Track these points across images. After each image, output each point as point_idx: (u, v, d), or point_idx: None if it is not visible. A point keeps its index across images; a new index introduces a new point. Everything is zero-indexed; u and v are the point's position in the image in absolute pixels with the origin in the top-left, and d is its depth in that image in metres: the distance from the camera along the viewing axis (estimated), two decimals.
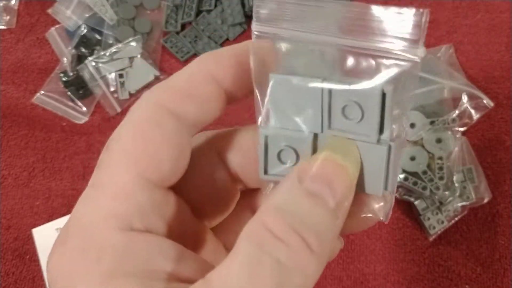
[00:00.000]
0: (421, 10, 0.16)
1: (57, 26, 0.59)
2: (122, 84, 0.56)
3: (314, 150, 0.18)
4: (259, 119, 0.18)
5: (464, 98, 0.51)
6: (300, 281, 0.15)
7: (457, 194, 0.49)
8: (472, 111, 0.51)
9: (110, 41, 0.58)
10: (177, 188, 0.19)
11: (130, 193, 0.17)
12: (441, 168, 0.49)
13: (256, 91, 0.18)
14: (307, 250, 0.15)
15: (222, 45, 0.58)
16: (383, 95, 0.17)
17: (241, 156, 0.19)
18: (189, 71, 0.19)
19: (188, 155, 0.18)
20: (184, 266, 0.17)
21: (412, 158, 0.49)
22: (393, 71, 0.17)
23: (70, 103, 0.56)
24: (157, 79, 0.57)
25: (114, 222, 0.16)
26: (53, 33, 0.59)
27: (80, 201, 0.17)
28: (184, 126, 0.18)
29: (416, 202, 0.49)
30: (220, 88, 0.18)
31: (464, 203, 0.49)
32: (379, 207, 0.19)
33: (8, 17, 0.61)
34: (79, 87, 0.56)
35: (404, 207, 0.50)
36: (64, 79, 0.56)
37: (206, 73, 0.18)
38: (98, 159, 0.18)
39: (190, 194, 0.20)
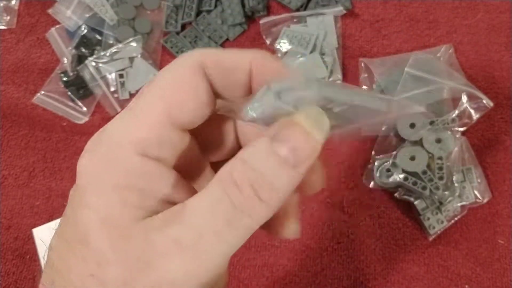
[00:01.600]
0: None
1: (57, 26, 0.59)
2: (122, 84, 0.56)
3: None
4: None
5: (464, 98, 0.51)
6: (247, 222, 0.19)
7: (457, 194, 0.49)
8: (472, 111, 0.51)
9: (110, 41, 0.58)
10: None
11: (155, 127, 0.21)
12: (440, 168, 0.49)
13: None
14: (257, 200, 0.19)
15: (222, 45, 0.58)
16: None
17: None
18: (225, 50, 0.23)
19: (210, 111, 0.22)
20: (178, 193, 0.21)
21: (412, 158, 0.49)
22: None
23: (71, 103, 0.56)
24: None
25: (135, 147, 0.20)
26: (53, 33, 0.59)
27: (116, 118, 0.21)
28: (211, 85, 0.22)
29: (416, 202, 0.49)
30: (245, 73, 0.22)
31: (463, 203, 0.49)
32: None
33: (8, 17, 0.61)
34: (79, 87, 0.56)
35: (404, 207, 0.50)
36: (64, 79, 0.56)
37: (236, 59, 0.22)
38: (142, 88, 0.22)
39: (199, 131, 0.23)
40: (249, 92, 0.23)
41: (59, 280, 0.20)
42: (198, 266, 0.19)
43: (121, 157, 0.20)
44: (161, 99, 0.21)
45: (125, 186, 0.20)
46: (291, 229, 0.24)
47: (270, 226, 0.24)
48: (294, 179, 0.19)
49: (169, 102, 0.21)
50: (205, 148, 0.25)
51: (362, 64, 0.54)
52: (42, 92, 0.56)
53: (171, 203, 0.21)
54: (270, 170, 0.19)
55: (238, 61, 0.22)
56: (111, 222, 0.19)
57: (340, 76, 0.54)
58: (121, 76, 0.56)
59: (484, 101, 0.51)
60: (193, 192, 0.22)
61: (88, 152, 0.21)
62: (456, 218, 0.49)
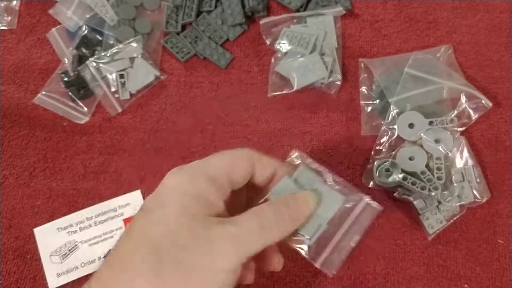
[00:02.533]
0: None
1: (58, 26, 0.59)
2: (123, 84, 0.56)
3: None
4: None
5: (463, 98, 0.51)
6: (275, 231, 0.32)
7: (456, 193, 0.49)
8: (471, 111, 0.51)
9: (111, 42, 0.58)
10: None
11: (220, 176, 0.33)
12: (439, 168, 0.49)
13: None
14: (275, 225, 0.32)
15: (222, 45, 0.58)
16: None
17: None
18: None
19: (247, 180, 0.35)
20: (225, 214, 0.33)
21: (411, 158, 0.49)
22: None
23: (71, 103, 0.57)
24: (157, 79, 0.57)
25: (207, 177, 0.32)
26: (54, 34, 0.59)
27: (196, 163, 0.34)
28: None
29: (415, 202, 0.49)
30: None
31: (463, 203, 0.49)
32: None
33: (9, 18, 0.61)
34: (80, 87, 0.56)
35: (403, 207, 0.51)
36: (65, 79, 0.56)
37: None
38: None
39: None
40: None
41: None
42: (243, 245, 0.30)
43: (199, 179, 0.32)
44: (227, 161, 0.34)
45: (199, 195, 0.31)
46: (280, 262, 0.37)
47: (265, 262, 0.36)
48: (292, 224, 0.33)
49: (230, 167, 0.33)
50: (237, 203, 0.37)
51: (362, 64, 0.55)
52: (43, 93, 0.57)
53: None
54: (283, 216, 0.33)
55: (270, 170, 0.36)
56: (190, 209, 0.30)
57: (339, 76, 0.54)
58: (121, 76, 0.56)
59: (483, 101, 0.51)
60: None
61: (174, 171, 0.33)
62: (455, 218, 0.49)
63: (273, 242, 0.31)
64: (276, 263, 0.37)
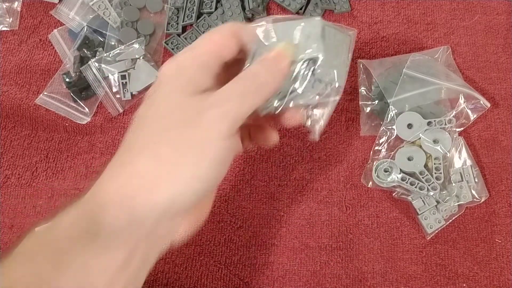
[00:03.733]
0: None
1: (59, 27, 0.60)
2: (125, 85, 0.57)
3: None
4: None
5: (461, 99, 0.51)
6: (256, 92, 0.32)
7: (455, 193, 0.49)
8: (469, 112, 0.51)
9: (113, 43, 0.58)
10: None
11: (205, 55, 0.33)
12: (438, 168, 0.49)
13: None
14: (259, 83, 0.32)
15: None
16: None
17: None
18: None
19: (237, 53, 0.35)
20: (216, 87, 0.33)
21: (410, 158, 0.50)
22: None
23: (73, 104, 0.57)
24: None
25: (195, 62, 0.33)
26: (55, 35, 0.59)
27: (183, 50, 0.34)
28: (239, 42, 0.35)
29: (414, 202, 0.50)
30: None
31: (461, 203, 0.49)
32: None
33: (11, 19, 0.62)
34: (81, 88, 0.57)
35: (402, 207, 0.51)
36: (66, 80, 0.57)
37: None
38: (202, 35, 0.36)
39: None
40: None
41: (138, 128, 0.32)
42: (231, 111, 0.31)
43: (188, 66, 0.33)
44: (212, 40, 0.33)
45: (190, 77, 0.32)
46: (274, 137, 0.37)
47: (258, 138, 0.37)
48: (278, 76, 0.33)
49: (217, 42, 0.33)
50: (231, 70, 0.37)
51: (361, 65, 0.55)
52: (45, 93, 0.57)
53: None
54: (265, 71, 0.33)
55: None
56: (179, 89, 0.31)
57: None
58: (123, 77, 0.57)
59: (482, 102, 0.51)
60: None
61: (167, 63, 0.33)
62: (453, 218, 0.50)
63: (260, 102, 0.32)
64: (270, 135, 0.37)
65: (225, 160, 0.31)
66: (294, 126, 0.36)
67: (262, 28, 0.35)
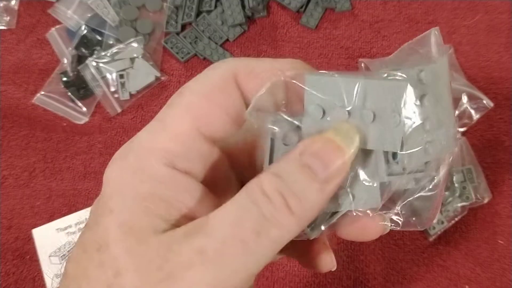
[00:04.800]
0: None
1: (57, 26, 0.59)
2: (123, 84, 0.56)
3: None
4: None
5: (464, 99, 0.51)
6: (275, 234, 0.18)
7: (457, 194, 0.49)
8: (472, 112, 0.51)
9: (111, 42, 0.58)
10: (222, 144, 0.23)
11: (184, 139, 0.21)
12: None
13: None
14: (287, 211, 0.18)
15: (222, 46, 0.58)
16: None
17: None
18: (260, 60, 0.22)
19: (241, 123, 0.22)
20: (203, 208, 0.21)
21: None
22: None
23: (71, 104, 0.56)
24: (158, 80, 0.57)
25: (164, 158, 0.20)
26: (53, 34, 0.59)
27: (145, 129, 0.21)
28: (243, 97, 0.22)
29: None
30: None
31: (463, 203, 0.49)
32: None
33: (8, 18, 0.61)
34: (79, 88, 0.56)
35: None
36: (64, 79, 0.56)
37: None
38: (171, 98, 0.21)
39: (230, 148, 0.23)
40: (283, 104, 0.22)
41: None
42: (222, 280, 0.18)
43: (148, 167, 0.20)
44: (190, 110, 0.21)
45: (150, 195, 0.20)
46: (327, 261, 0.24)
47: (306, 258, 0.24)
48: (324, 193, 0.19)
49: (198, 114, 0.21)
50: (237, 166, 0.24)
51: (362, 64, 0.54)
52: (43, 93, 0.56)
53: (196, 218, 0.20)
54: (301, 182, 0.19)
55: (272, 71, 0.21)
56: (132, 231, 0.19)
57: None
58: (121, 76, 0.56)
59: (484, 101, 0.51)
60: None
61: (115, 161, 0.21)
62: (456, 219, 0.49)
63: (277, 249, 0.19)
64: (325, 261, 0.24)
65: None
66: (371, 239, 0.23)
67: (321, 80, 0.20)
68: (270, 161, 0.21)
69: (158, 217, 0.20)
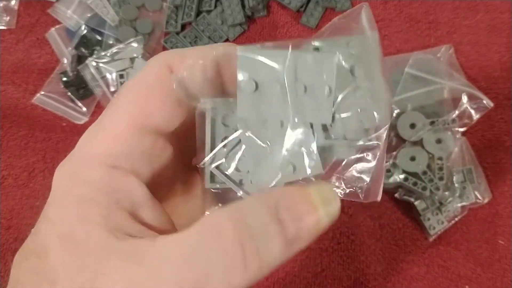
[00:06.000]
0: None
1: (57, 26, 0.59)
2: (123, 84, 0.56)
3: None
4: None
5: (464, 99, 0.51)
6: (219, 286, 0.16)
7: (457, 194, 0.49)
8: (472, 112, 0.51)
9: (111, 42, 0.58)
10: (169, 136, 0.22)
11: (124, 137, 0.20)
12: (441, 169, 0.49)
13: None
14: (241, 266, 0.16)
15: None
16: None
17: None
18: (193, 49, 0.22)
19: (185, 112, 0.21)
20: (145, 211, 0.20)
21: (412, 159, 0.49)
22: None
23: (70, 104, 0.56)
24: None
25: (103, 159, 0.20)
26: (53, 34, 0.59)
27: (86, 133, 0.21)
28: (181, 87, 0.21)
29: (416, 203, 0.49)
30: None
31: (464, 204, 0.49)
32: None
33: (8, 18, 0.61)
34: (79, 88, 0.56)
35: (404, 208, 0.50)
36: (64, 79, 0.56)
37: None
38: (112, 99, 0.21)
39: (177, 139, 0.23)
40: (222, 88, 0.22)
41: None
42: None
43: (85, 172, 0.20)
44: (128, 106, 0.20)
45: (88, 201, 0.19)
46: None
47: None
48: (286, 254, 0.17)
49: (137, 110, 0.20)
50: (183, 155, 0.24)
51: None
52: (42, 93, 0.56)
53: (139, 220, 0.20)
54: (266, 236, 0.17)
55: (203, 58, 0.21)
56: (69, 239, 0.18)
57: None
58: (121, 76, 0.56)
59: (484, 101, 0.51)
60: (163, 215, 0.21)
61: (59, 167, 0.21)
62: (456, 219, 0.49)
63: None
64: None
65: None
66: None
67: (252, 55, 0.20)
68: (212, 145, 0.22)
69: (95, 224, 0.18)
